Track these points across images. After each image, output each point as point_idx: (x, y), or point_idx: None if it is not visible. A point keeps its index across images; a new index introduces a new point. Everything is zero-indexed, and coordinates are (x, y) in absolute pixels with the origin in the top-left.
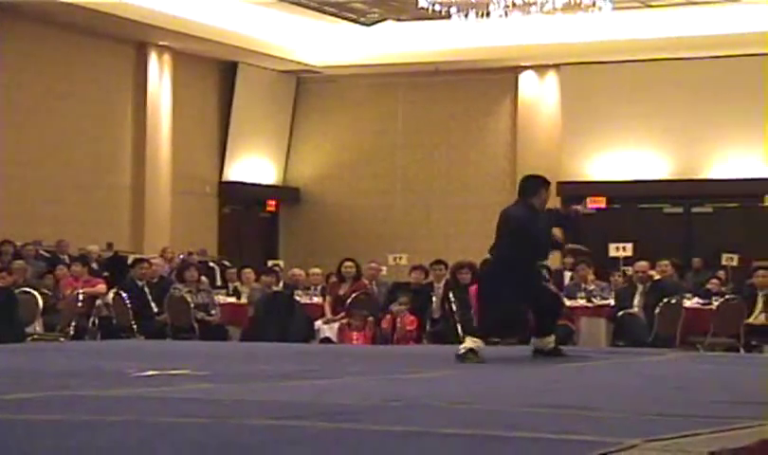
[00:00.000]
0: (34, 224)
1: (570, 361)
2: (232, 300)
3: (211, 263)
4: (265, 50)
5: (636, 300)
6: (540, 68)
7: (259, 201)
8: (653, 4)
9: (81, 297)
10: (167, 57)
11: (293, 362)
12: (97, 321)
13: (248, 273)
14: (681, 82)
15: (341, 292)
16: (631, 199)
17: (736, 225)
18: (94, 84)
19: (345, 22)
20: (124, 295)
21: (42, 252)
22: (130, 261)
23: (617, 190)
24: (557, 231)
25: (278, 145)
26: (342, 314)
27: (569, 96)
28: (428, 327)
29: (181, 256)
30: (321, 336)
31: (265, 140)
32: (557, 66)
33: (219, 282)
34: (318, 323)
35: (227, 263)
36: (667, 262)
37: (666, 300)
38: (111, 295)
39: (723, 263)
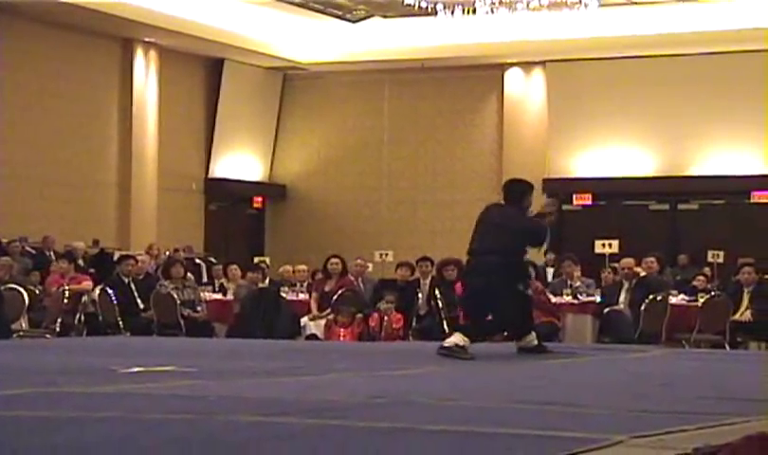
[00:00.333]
0: (20, 220)
1: (555, 358)
2: (218, 296)
3: (198, 260)
4: (252, 47)
5: (622, 297)
6: (527, 65)
7: (245, 198)
8: (639, 1)
9: (67, 293)
10: (153, 54)
11: (279, 359)
12: (83, 318)
13: (234, 270)
14: (667, 80)
15: (327, 289)
16: (617, 196)
17: (722, 222)
18: (80, 81)
19: (331, 18)
20: (110, 291)
21: (28, 249)
22: (116, 257)
23: (603, 186)
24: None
25: (264, 142)
26: (328, 310)
27: (555, 93)
28: (414, 324)
29: (167, 253)
30: (307, 332)
31: (251, 137)
32: (543, 63)
33: (205, 279)
34: (304, 320)
35: (213, 259)
36: (652, 258)
37: (651, 296)
38: (97, 291)
39: (709, 259)
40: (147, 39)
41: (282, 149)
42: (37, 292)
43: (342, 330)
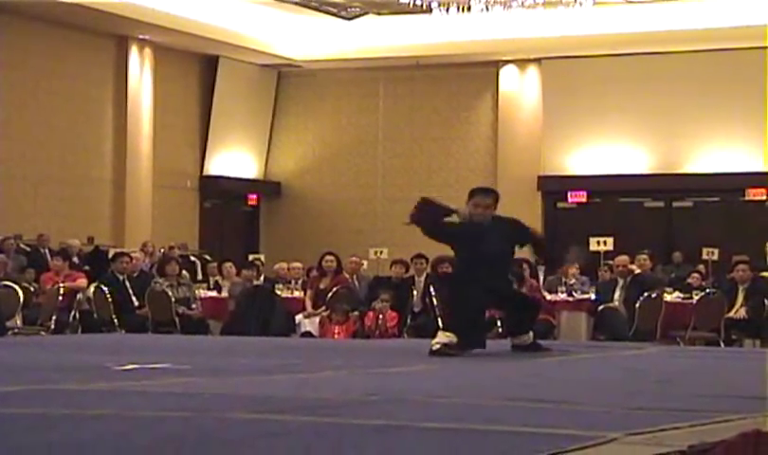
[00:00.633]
0: (15, 218)
1: (550, 355)
2: (213, 294)
3: (192, 258)
4: (247, 44)
5: (617, 295)
6: (521, 63)
7: (240, 195)
8: None
9: (61, 291)
10: (148, 51)
11: (274, 356)
12: (77, 315)
13: (229, 267)
14: (662, 77)
15: (322, 286)
16: (612, 193)
17: (716, 219)
18: (74, 79)
19: (326, 16)
20: (105, 289)
21: (23, 246)
22: (111, 255)
23: (598, 184)
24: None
25: (259, 139)
26: (323, 308)
27: (550, 90)
28: (408, 321)
29: (162, 250)
30: (302, 330)
31: (245, 134)
32: (538, 61)
33: (200, 277)
34: (298, 317)
35: (207, 257)
36: (645, 255)
37: (646, 294)
38: (92, 289)
39: (704, 257)
40: (142, 36)
41: (276, 146)
42: (32, 289)
43: (337, 327)
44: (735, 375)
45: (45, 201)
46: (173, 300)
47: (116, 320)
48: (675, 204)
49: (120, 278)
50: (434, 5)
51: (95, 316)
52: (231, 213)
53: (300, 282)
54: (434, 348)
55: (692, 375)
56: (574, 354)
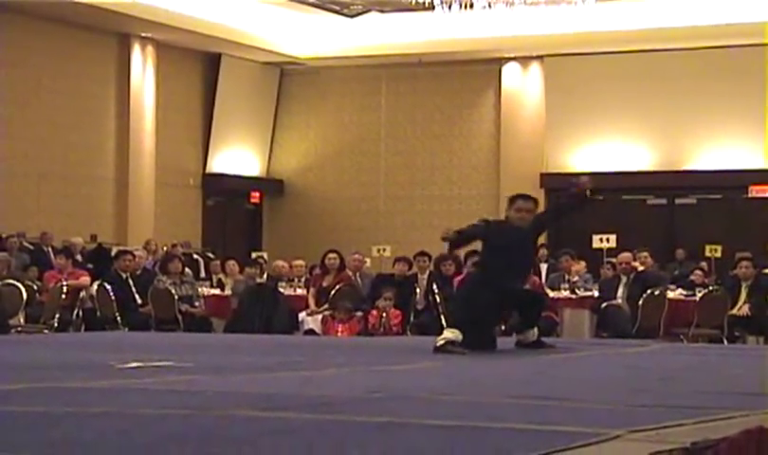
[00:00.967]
0: (18, 216)
1: (553, 353)
2: (216, 291)
3: (195, 255)
4: (249, 42)
5: (620, 292)
6: (524, 59)
7: (243, 193)
8: None
9: (64, 289)
10: (150, 48)
11: (277, 354)
12: (81, 313)
13: (232, 265)
14: (665, 74)
15: (325, 284)
16: (615, 190)
17: (719, 216)
18: (77, 77)
19: (328, 13)
20: (108, 287)
21: (26, 244)
22: (113, 253)
23: (601, 181)
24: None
25: (261, 137)
26: (326, 306)
27: (552, 87)
28: (412, 318)
29: (165, 248)
30: (305, 327)
31: (248, 132)
32: (540, 58)
33: (203, 274)
34: (301, 315)
35: (210, 254)
36: (646, 253)
37: (649, 291)
38: (95, 287)
39: (707, 254)
40: (144, 34)
41: (279, 144)
42: (35, 287)
43: (340, 325)
44: (738, 372)
45: (47, 199)
46: (175, 297)
47: (119, 318)
48: (678, 201)
49: (123, 276)
50: (437, 2)
51: (98, 314)
52: (234, 211)
53: (302, 279)
54: (439, 344)
55: (695, 372)
56: (577, 352)
